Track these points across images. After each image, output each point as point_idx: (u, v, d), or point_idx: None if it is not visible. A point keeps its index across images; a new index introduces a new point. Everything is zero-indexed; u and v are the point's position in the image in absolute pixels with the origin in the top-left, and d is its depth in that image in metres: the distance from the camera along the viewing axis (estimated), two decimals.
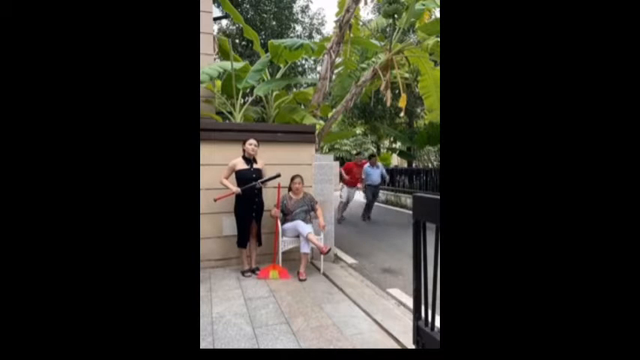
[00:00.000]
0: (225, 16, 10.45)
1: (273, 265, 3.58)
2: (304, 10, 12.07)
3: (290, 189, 3.75)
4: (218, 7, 8.78)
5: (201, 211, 3.65)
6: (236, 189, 3.41)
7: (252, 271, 3.58)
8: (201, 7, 4.39)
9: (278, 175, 3.58)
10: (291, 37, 10.49)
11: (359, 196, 8.17)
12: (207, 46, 4.66)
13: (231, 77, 4.45)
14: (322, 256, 3.64)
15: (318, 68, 9.39)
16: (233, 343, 2.21)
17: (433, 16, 6.03)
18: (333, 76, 5.85)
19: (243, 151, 3.52)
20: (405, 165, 13.51)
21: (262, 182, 3.52)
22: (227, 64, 4.41)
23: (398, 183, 10.37)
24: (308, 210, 3.72)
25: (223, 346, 2.17)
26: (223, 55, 5.56)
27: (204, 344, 2.18)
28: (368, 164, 7.30)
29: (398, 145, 14.41)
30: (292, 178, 3.72)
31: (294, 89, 8.74)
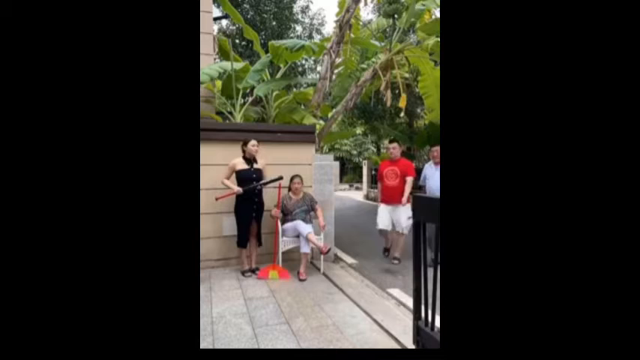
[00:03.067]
0: (225, 16, 10.43)
1: (273, 265, 3.58)
2: (304, 10, 12.07)
3: (290, 189, 3.75)
4: (218, 7, 8.77)
5: (202, 211, 3.65)
6: (237, 189, 3.41)
7: (252, 271, 3.58)
8: (201, 7, 4.39)
9: (280, 178, 3.59)
10: (292, 38, 10.50)
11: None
12: (207, 46, 4.66)
13: (231, 77, 4.45)
14: (322, 256, 3.65)
15: (318, 68, 9.38)
16: (233, 343, 2.21)
17: (433, 16, 6.03)
18: (333, 76, 5.85)
19: (244, 151, 3.52)
20: None
21: (263, 184, 3.53)
22: (227, 65, 4.41)
23: None
24: (308, 210, 3.72)
25: (223, 346, 2.17)
26: (223, 55, 5.56)
27: (204, 344, 2.18)
28: (430, 163, 4.04)
29: None
30: (292, 178, 3.72)
31: (294, 89, 8.73)
